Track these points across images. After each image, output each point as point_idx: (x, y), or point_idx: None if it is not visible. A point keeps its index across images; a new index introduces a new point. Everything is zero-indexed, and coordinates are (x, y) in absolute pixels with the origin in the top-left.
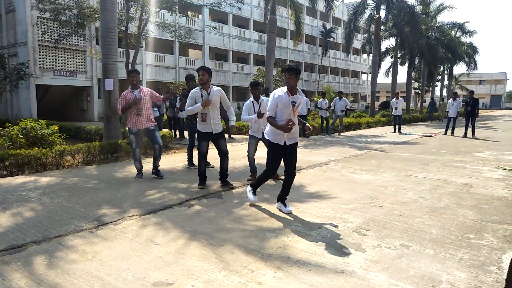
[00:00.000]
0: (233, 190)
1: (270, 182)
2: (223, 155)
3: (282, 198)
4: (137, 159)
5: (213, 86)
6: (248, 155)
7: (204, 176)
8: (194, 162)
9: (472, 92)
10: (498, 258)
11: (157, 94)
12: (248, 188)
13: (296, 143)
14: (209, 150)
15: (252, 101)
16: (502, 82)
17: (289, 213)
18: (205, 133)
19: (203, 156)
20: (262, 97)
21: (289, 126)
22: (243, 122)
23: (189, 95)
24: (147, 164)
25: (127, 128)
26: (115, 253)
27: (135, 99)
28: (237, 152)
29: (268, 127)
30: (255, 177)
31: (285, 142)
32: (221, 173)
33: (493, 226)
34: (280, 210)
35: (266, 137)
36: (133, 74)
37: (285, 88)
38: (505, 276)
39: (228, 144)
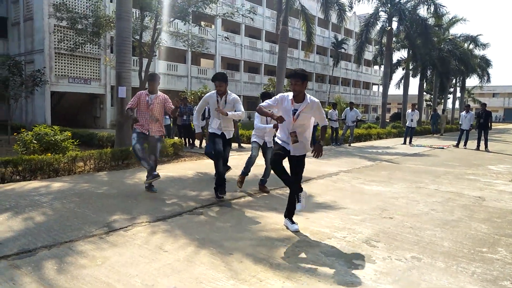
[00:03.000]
0: (243, 199)
1: (277, 191)
2: (223, 162)
3: (290, 214)
4: (142, 158)
5: (230, 94)
6: (251, 157)
7: (223, 180)
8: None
9: (484, 105)
10: None
11: (170, 104)
12: (285, 221)
13: (303, 156)
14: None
15: None
16: None
17: (296, 232)
18: (218, 134)
19: (219, 154)
20: None
21: (278, 121)
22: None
23: (204, 97)
24: (139, 174)
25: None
26: (124, 259)
27: (129, 116)
28: (239, 161)
29: (279, 132)
30: (243, 180)
31: (289, 151)
32: (217, 180)
33: (507, 240)
34: (286, 227)
35: (275, 139)
36: (151, 82)
37: (291, 95)
38: None
39: (237, 153)
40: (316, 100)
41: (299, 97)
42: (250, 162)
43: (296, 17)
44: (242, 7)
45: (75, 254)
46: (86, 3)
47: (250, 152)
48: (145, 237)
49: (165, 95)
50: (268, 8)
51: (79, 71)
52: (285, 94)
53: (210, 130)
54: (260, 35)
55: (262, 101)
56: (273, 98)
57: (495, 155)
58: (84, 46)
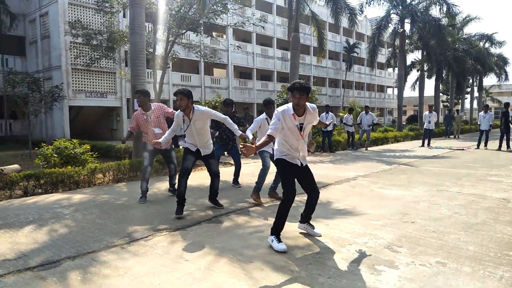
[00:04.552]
0: (260, 207)
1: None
2: (214, 175)
3: (306, 219)
4: (146, 179)
5: (197, 109)
6: (265, 168)
7: (183, 199)
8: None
9: (508, 104)
10: None
11: (169, 110)
12: (270, 238)
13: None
14: (241, 167)
15: (266, 118)
16: None
17: (319, 236)
18: (193, 150)
19: (185, 172)
20: None
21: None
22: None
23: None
24: (158, 184)
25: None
26: (146, 269)
27: (124, 141)
28: (256, 168)
29: (277, 145)
30: (258, 196)
31: (301, 164)
32: (211, 192)
33: None
34: (307, 232)
35: (278, 156)
36: (137, 95)
37: (291, 109)
38: None
39: (242, 162)
40: (312, 105)
41: (300, 111)
42: (264, 174)
43: (307, 24)
44: (252, 16)
45: (98, 265)
46: (100, 19)
47: (254, 159)
48: (166, 246)
49: (160, 104)
50: (279, 15)
51: (96, 85)
52: (285, 108)
53: (185, 145)
54: (272, 42)
55: (266, 109)
56: (275, 117)
57: None
58: (100, 61)
